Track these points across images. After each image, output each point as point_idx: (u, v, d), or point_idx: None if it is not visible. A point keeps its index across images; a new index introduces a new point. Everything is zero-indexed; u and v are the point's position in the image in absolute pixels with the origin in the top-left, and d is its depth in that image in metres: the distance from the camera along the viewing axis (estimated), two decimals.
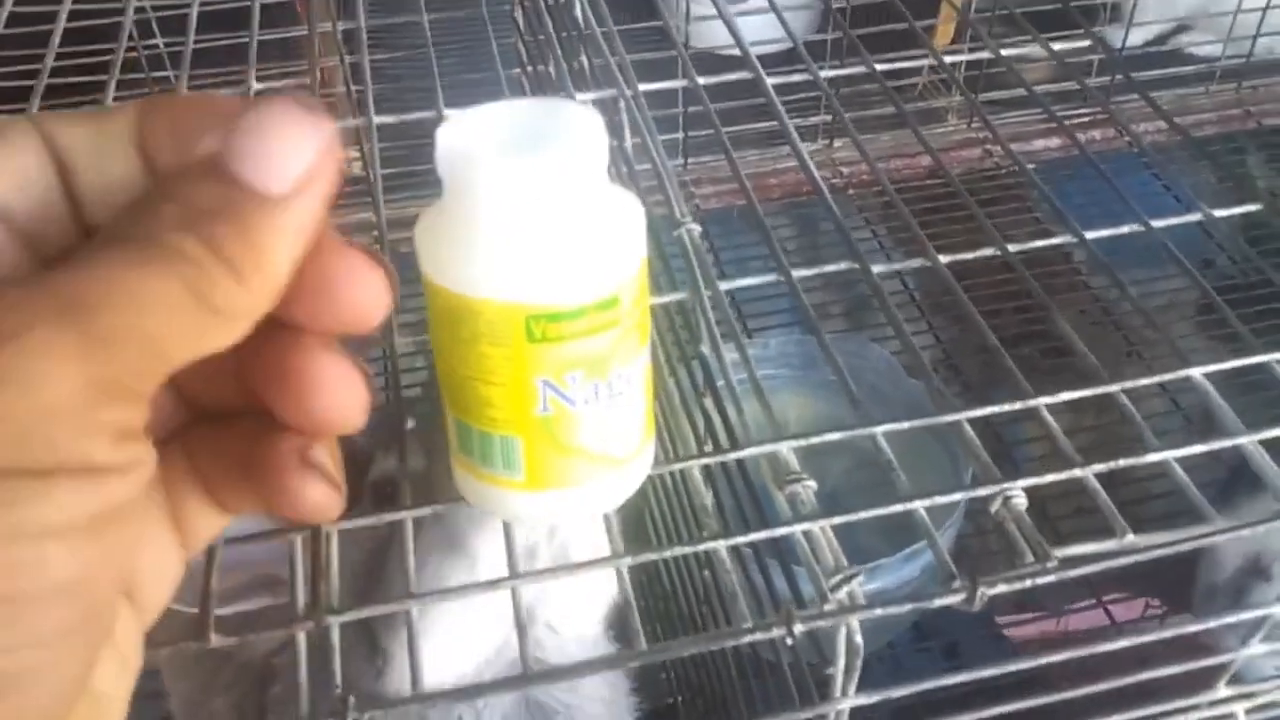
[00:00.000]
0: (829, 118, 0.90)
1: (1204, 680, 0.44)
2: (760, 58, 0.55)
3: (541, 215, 0.28)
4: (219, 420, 0.27)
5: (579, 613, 0.50)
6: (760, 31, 0.67)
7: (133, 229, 0.21)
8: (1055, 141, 0.88)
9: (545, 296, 0.28)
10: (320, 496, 0.25)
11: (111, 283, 0.20)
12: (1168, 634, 0.42)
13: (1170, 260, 0.47)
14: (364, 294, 0.25)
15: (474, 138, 0.28)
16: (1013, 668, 0.40)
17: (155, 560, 0.25)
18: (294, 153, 0.22)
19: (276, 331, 0.24)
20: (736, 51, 0.55)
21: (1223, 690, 0.41)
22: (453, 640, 0.46)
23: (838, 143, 0.90)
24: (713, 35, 0.98)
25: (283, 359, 0.25)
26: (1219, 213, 0.47)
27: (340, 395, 0.25)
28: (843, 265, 0.46)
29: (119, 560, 0.22)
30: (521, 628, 0.36)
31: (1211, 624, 0.42)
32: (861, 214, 0.92)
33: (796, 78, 0.56)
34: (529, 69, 0.81)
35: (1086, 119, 0.87)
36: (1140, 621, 0.78)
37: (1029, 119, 0.91)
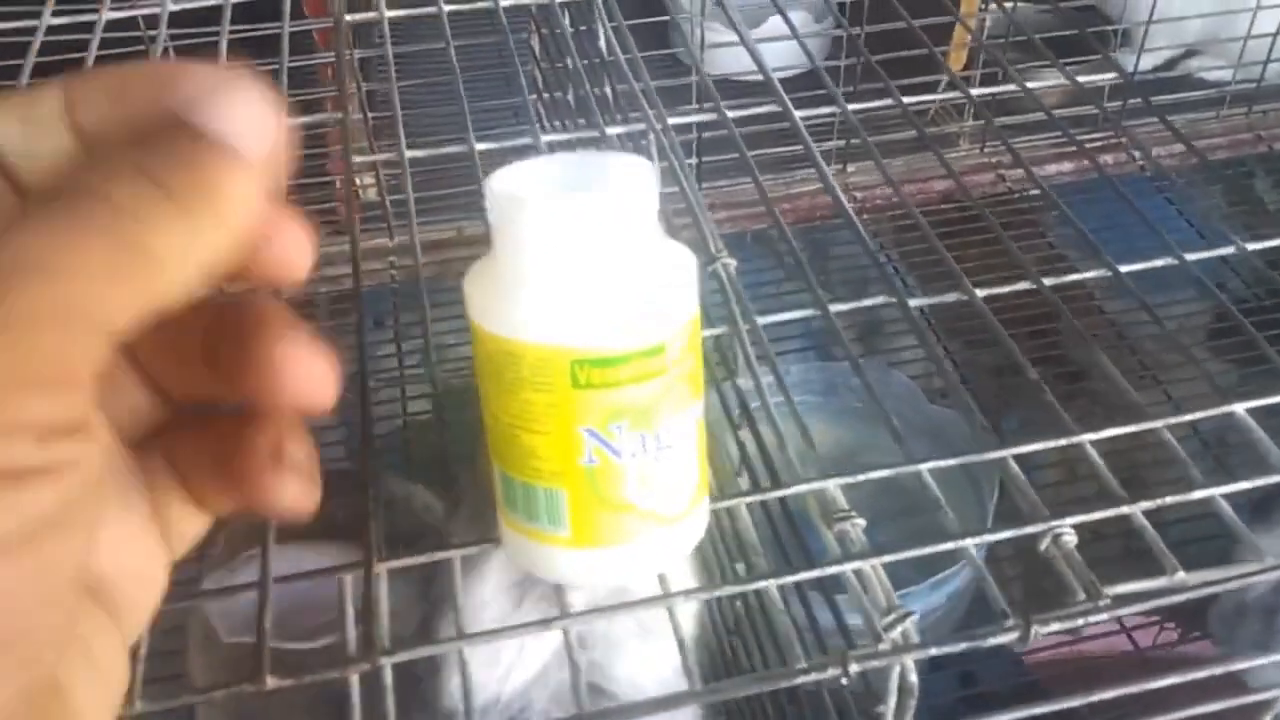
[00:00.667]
0: (842, 143, 0.90)
1: (1242, 711, 0.44)
2: (754, 84, 0.55)
3: (587, 257, 0.28)
4: (197, 419, 0.26)
5: (651, 643, 0.50)
6: (771, 58, 0.67)
7: (56, 188, 0.20)
8: (1068, 166, 0.89)
9: (590, 340, 0.28)
10: (295, 494, 0.25)
11: (20, 253, 0.18)
12: (1207, 672, 0.42)
13: (1180, 284, 0.48)
14: (287, 249, 0.24)
15: (523, 185, 0.28)
16: (1045, 709, 0.40)
17: (134, 564, 0.24)
18: (264, 121, 0.21)
19: (239, 312, 0.24)
20: (750, 77, 0.55)
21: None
22: (496, 657, 0.46)
23: (851, 167, 0.91)
24: (724, 62, 0.99)
25: (246, 339, 0.24)
26: (1251, 246, 0.47)
27: (305, 373, 0.24)
28: (880, 299, 0.46)
29: (57, 576, 0.20)
30: (575, 667, 0.36)
31: (1260, 661, 0.42)
32: (875, 239, 0.92)
33: (813, 107, 0.56)
34: (546, 96, 0.81)
35: (1099, 143, 0.87)
36: (1162, 648, 0.78)
37: (1040, 144, 0.91)
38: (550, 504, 0.30)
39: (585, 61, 0.63)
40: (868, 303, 0.46)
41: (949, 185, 0.92)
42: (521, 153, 0.57)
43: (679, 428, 0.30)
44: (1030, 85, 0.60)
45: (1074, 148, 0.92)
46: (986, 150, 0.90)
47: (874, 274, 0.94)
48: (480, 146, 0.53)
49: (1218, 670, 0.41)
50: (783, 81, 0.56)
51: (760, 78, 0.55)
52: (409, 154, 0.52)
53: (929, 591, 0.63)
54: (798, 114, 0.54)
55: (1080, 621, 0.36)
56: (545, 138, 0.55)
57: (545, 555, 0.32)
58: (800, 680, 0.35)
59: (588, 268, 0.28)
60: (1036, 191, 0.99)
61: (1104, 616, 0.35)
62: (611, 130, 0.54)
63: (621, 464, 0.30)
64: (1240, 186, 0.92)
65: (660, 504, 0.31)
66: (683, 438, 0.30)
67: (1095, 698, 0.40)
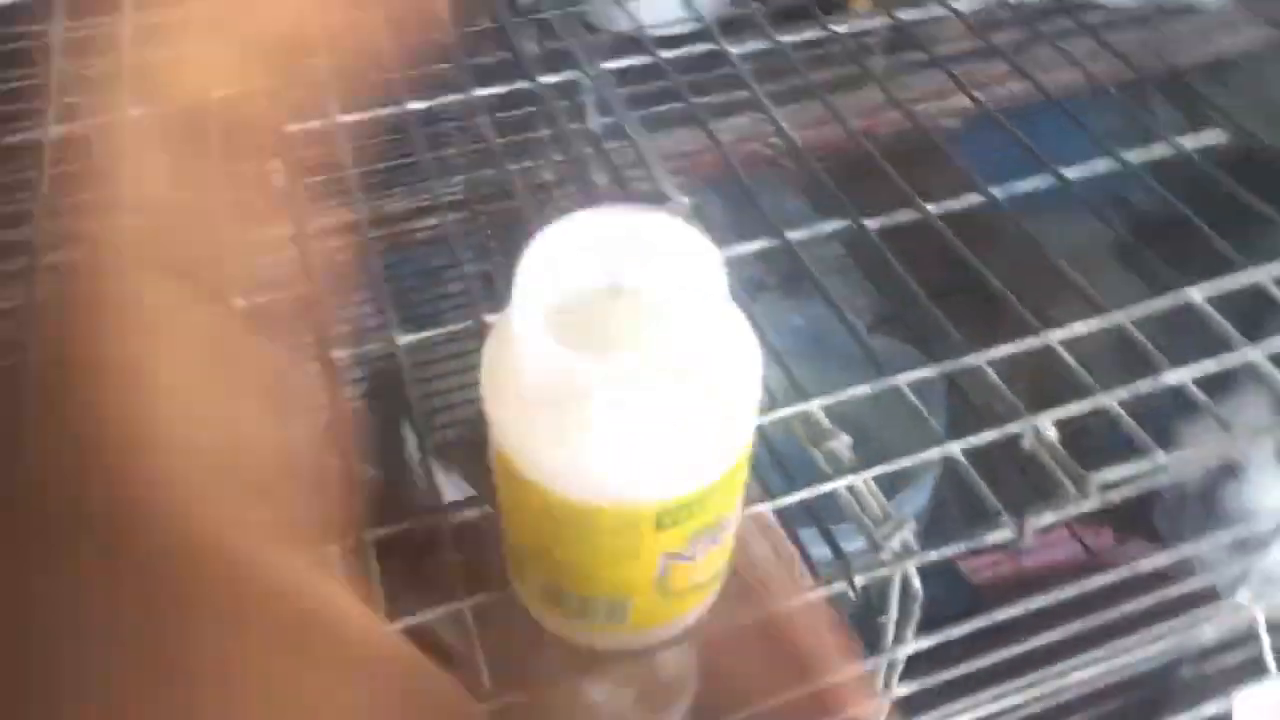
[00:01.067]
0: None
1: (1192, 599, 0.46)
2: (673, 38, 0.55)
3: (666, 406, 0.24)
4: None
5: None
6: (663, 12, 0.66)
7: None
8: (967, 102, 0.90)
9: (678, 486, 0.25)
10: None
11: None
12: (1164, 560, 0.44)
13: (1085, 204, 0.49)
14: None
15: (571, 321, 0.24)
16: (1025, 606, 0.41)
17: None
18: None
19: None
20: (656, 32, 0.55)
21: (1241, 594, 0.43)
22: None
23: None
24: (619, 19, 0.98)
25: None
26: (1188, 143, 0.49)
27: None
28: (840, 223, 0.46)
29: None
30: None
31: (1203, 547, 0.43)
32: (791, 186, 0.93)
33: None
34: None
35: (999, 73, 0.89)
36: (1116, 549, 0.81)
37: (942, 76, 0.93)
38: (612, 609, 0.28)
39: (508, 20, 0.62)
40: (828, 228, 0.46)
41: (862, 124, 0.93)
42: (456, 110, 0.56)
43: (739, 506, 0.28)
44: (941, 13, 0.61)
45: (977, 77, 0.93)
46: (895, 87, 0.91)
47: (797, 219, 0.95)
48: (413, 105, 0.52)
49: (1162, 560, 0.43)
50: (678, 37, 0.57)
51: (661, 34, 0.55)
52: (342, 119, 0.51)
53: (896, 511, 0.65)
54: (733, 52, 0.54)
55: (1071, 512, 0.37)
56: (476, 91, 0.54)
57: (596, 638, 0.30)
58: (809, 597, 0.35)
59: (668, 415, 0.24)
60: (947, 124, 1.01)
61: (1094, 504, 0.36)
62: (544, 79, 0.53)
63: (693, 564, 0.28)
64: (1139, 106, 0.95)
65: (717, 571, 0.30)
66: (739, 510, 0.28)
67: (1038, 604, 0.41)
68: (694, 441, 0.24)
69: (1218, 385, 0.60)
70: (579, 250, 0.24)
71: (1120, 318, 0.41)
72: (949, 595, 0.90)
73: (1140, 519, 0.79)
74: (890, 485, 0.67)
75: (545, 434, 0.24)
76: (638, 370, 0.23)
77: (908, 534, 0.36)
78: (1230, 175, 0.51)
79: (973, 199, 0.47)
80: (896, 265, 0.44)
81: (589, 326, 0.24)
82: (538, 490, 0.25)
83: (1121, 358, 0.41)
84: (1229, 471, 0.63)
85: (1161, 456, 0.37)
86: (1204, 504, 0.64)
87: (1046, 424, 0.38)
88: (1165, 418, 0.41)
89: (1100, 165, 0.48)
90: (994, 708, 0.42)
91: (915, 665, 0.41)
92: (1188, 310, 0.42)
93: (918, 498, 0.66)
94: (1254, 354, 0.39)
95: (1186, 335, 0.43)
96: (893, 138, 0.94)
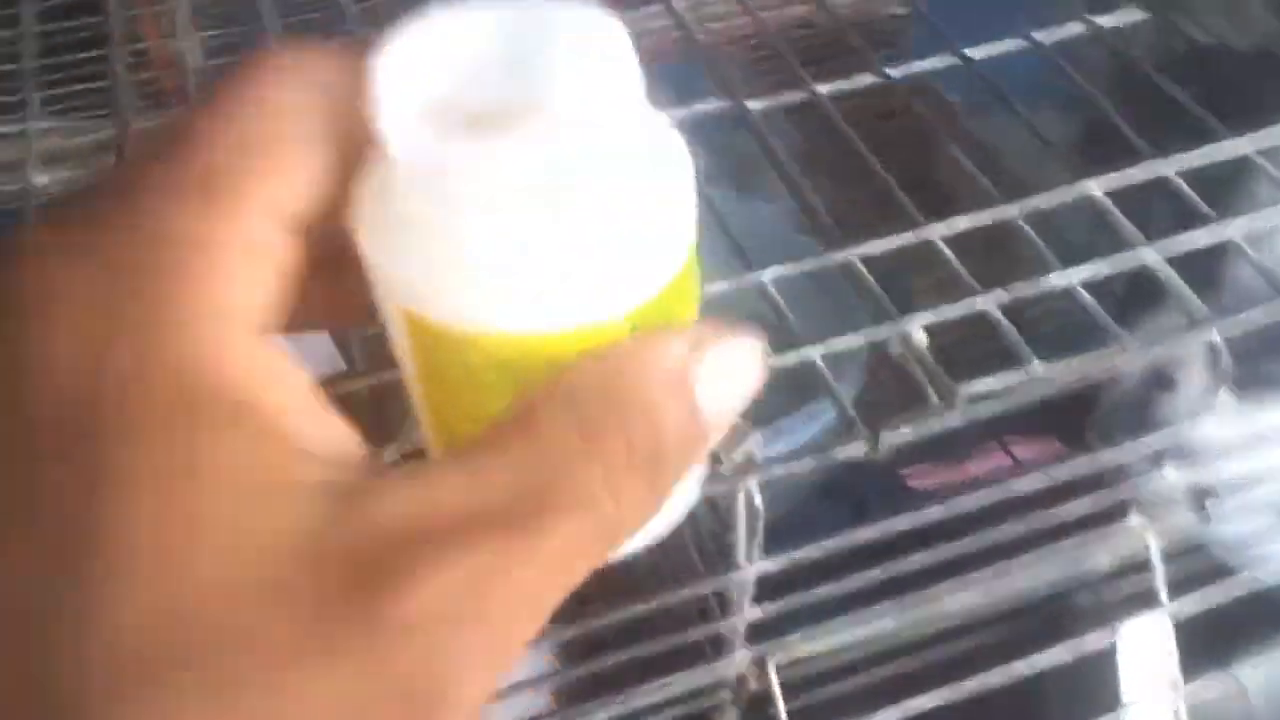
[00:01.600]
0: None
1: (1115, 512, 0.43)
2: None
3: (610, 202, 0.20)
4: None
5: None
6: None
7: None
8: None
9: (646, 291, 0.21)
10: None
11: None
12: (1070, 468, 0.40)
13: (1041, 97, 0.45)
14: None
15: (478, 122, 0.19)
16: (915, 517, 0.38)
17: None
18: (741, 393, 0.21)
19: None
20: None
21: (1134, 519, 0.40)
22: None
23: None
24: None
25: None
26: (1105, 21, 0.44)
27: None
28: (712, 104, 0.42)
29: None
30: None
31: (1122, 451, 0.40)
32: (705, 80, 0.87)
33: None
34: None
35: None
36: (1043, 461, 0.78)
37: None
38: None
39: None
40: (700, 107, 0.42)
41: (806, 10, 0.88)
42: None
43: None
44: None
45: None
46: None
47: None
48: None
49: (1071, 468, 0.39)
50: None
51: None
52: None
53: (803, 423, 0.61)
54: None
55: (934, 426, 0.33)
56: None
57: None
58: None
59: (618, 216, 0.20)
60: (897, 12, 0.96)
61: (957, 420, 0.33)
62: None
63: None
64: None
65: None
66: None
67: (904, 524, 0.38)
68: (651, 239, 0.21)
69: (1141, 295, 0.56)
70: (450, 49, 0.20)
71: (1012, 211, 0.37)
72: (891, 502, 0.87)
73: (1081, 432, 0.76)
74: (799, 395, 0.64)
75: (436, 252, 0.19)
76: (569, 154, 0.18)
77: (751, 446, 0.33)
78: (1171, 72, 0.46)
79: (865, 79, 0.43)
80: (776, 149, 0.40)
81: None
82: (470, 342, 0.20)
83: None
84: (1162, 383, 0.59)
85: (1038, 366, 0.33)
86: (1137, 413, 0.60)
87: (916, 328, 0.34)
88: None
89: (1010, 45, 0.43)
90: (862, 632, 0.40)
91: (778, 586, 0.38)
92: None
93: (830, 410, 0.63)
94: (1150, 255, 0.35)
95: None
96: (828, 23, 0.89)
